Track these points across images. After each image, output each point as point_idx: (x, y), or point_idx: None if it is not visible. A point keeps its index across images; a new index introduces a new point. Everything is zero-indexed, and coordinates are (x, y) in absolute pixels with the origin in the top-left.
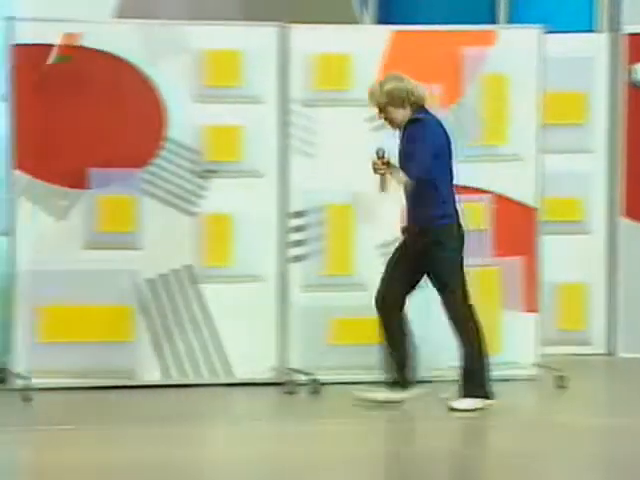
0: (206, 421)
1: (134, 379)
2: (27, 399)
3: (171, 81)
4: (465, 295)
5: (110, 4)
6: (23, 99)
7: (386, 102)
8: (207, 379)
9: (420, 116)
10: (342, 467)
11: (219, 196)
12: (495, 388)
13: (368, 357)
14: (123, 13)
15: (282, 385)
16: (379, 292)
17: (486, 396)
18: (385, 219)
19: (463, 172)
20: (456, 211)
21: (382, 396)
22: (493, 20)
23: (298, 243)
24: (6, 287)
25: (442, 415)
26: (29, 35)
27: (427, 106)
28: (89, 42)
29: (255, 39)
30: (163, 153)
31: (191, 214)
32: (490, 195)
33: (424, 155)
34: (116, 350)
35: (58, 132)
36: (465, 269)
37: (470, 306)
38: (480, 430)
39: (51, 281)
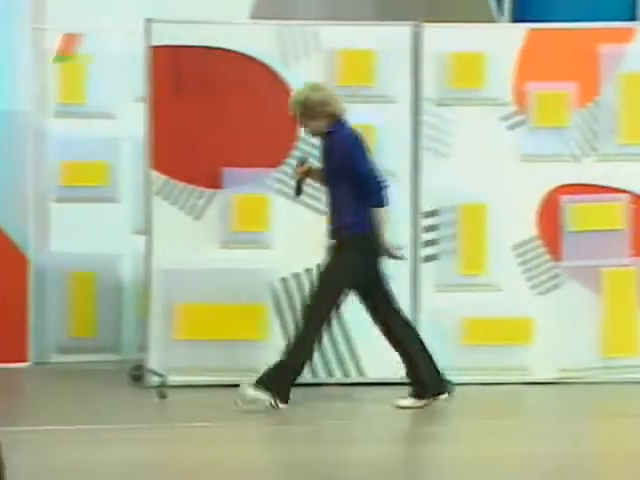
0: (354, 419)
1: None
2: (163, 396)
3: (304, 81)
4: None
5: (245, 5)
6: (161, 100)
7: (301, 112)
8: (339, 378)
9: (332, 129)
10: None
11: None
12: (630, 391)
13: (501, 357)
14: (258, 14)
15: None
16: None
17: None
18: (521, 218)
19: (600, 172)
20: (366, 220)
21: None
22: (633, 17)
23: (430, 242)
24: (143, 285)
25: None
26: (167, 37)
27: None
28: (224, 43)
29: (388, 39)
30: (296, 153)
31: (323, 213)
32: (628, 195)
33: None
34: (250, 348)
35: (194, 132)
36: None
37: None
38: (618, 433)
39: (187, 280)
